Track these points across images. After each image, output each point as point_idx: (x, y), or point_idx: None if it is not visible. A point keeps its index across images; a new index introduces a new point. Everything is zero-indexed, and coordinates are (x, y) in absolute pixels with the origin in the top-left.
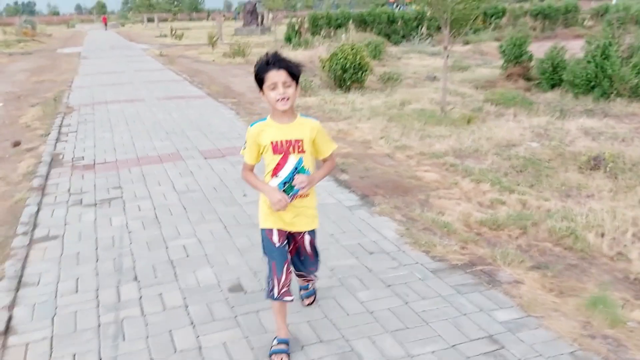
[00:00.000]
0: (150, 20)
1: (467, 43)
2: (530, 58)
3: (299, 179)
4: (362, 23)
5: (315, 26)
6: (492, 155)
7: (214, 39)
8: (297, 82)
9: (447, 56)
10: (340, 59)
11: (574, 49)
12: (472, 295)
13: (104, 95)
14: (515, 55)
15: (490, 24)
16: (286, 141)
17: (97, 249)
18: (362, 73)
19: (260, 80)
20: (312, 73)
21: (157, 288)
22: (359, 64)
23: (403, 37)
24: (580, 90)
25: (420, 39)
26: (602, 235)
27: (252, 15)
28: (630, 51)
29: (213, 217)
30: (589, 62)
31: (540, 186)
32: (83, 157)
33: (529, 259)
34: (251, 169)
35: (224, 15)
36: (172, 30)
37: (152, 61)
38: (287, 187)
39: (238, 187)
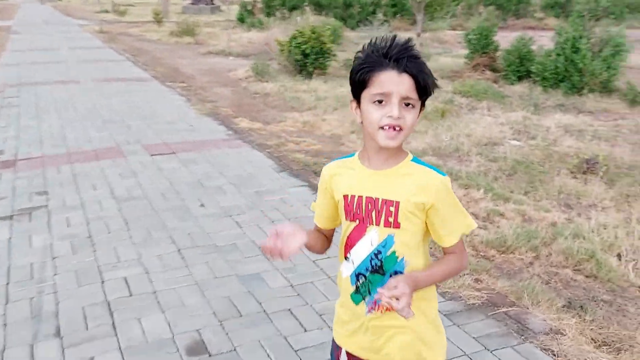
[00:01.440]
0: None
1: (424, 31)
2: (496, 48)
3: (384, 291)
4: (318, 6)
5: (270, 7)
6: (476, 155)
7: (160, 15)
8: (423, 104)
9: (421, 44)
10: (301, 43)
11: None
12: (504, 352)
13: (34, 75)
14: (482, 45)
15: (447, 12)
16: (367, 199)
17: (8, 283)
18: (324, 59)
19: (359, 83)
20: (268, 56)
21: (87, 348)
22: (321, 48)
23: (359, 22)
24: (549, 84)
25: (379, 25)
26: (620, 256)
27: None
28: (600, 45)
29: (162, 235)
30: (558, 54)
31: (535, 193)
32: (2, 151)
33: (556, 295)
34: (320, 232)
35: None
36: (114, 5)
37: (91, 38)
38: (363, 283)
39: (193, 194)
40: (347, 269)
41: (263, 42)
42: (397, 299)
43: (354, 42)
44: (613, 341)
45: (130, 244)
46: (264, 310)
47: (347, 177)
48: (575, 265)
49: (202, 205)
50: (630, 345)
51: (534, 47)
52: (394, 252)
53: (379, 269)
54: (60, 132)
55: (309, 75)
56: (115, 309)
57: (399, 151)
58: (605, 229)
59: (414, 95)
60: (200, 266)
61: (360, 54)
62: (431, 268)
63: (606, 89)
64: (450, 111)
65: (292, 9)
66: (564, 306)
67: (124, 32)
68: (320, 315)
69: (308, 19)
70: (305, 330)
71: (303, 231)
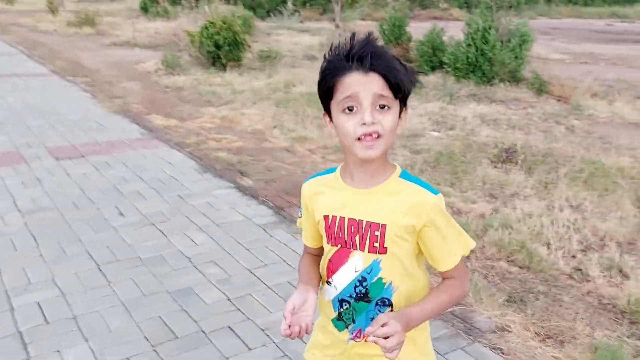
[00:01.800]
0: None
1: (333, 21)
2: (409, 39)
3: (372, 329)
4: None
5: None
6: (401, 148)
7: (54, 4)
8: (403, 103)
9: (339, 35)
10: (213, 33)
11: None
12: (455, 356)
13: None
14: (395, 36)
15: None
16: (350, 221)
17: None
18: (238, 50)
19: (325, 93)
20: (177, 48)
21: None
22: (235, 40)
23: (268, 12)
24: (461, 74)
25: (289, 15)
26: (548, 245)
27: None
28: (508, 35)
29: (78, 250)
30: (469, 45)
31: (460, 184)
32: None
33: (497, 290)
34: (312, 253)
35: None
36: None
37: None
38: (347, 310)
39: (109, 201)
40: (328, 294)
41: (171, 32)
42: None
43: (265, 32)
44: (555, 334)
45: (41, 262)
46: (202, 330)
47: (328, 196)
48: (509, 257)
49: (120, 213)
50: (572, 337)
51: (445, 38)
52: (380, 279)
53: (363, 296)
54: None
55: (223, 68)
56: (29, 341)
57: (385, 165)
58: (530, 218)
59: (387, 94)
60: (125, 283)
61: (323, 64)
62: (426, 301)
63: (514, 78)
64: None
65: None
66: (505, 301)
67: (14, 22)
68: (264, 330)
69: (217, 9)
70: (249, 349)
71: (308, 287)
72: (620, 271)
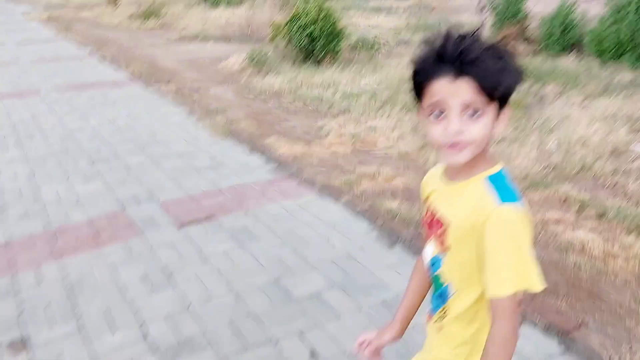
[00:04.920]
0: None
1: None
2: (526, 16)
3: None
4: None
5: None
6: (612, 175)
7: None
8: (504, 103)
9: (483, 10)
10: (306, 24)
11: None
12: None
13: None
14: (512, 13)
15: None
16: (433, 213)
17: None
18: (337, 41)
19: (417, 88)
20: (258, 40)
21: None
22: (331, 30)
23: None
24: (608, 56)
25: None
26: None
27: None
28: None
29: None
30: (615, 21)
31: None
32: None
33: None
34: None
35: None
36: None
37: (40, 28)
38: (434, 278)
39: (281, 317)
40: (427, 252)
41: (243, 22)
42: None
43: (343, 11)
44: None
45: None
46: None
47: (431, 184)
48: None
49: (311, 353)
50: None
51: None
52: (439, 276)
53: (432, 281)
54: (30, 187)
55: (317, 63)
56: None
57: (477, 161)
58: None
59: (479, 100)
60: None
61: (414, 58)
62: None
63: None
64: (523, 102)
65: None
66: None
67: (75, 17)
68: None
69: None
70: None
71: (394, 324)
72: None
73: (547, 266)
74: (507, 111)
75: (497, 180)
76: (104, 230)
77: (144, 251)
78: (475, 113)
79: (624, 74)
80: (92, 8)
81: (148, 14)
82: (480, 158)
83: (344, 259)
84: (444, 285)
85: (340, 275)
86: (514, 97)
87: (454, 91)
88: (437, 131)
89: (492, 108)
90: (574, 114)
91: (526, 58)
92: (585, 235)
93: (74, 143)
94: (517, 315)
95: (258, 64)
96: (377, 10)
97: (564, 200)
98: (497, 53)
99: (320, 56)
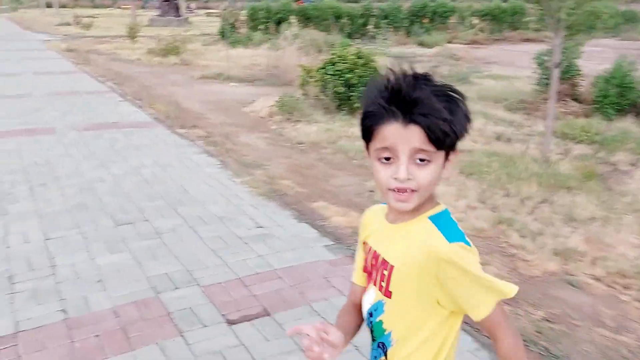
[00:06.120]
0: (48, 5)
1: (420, 44)
2: (578, 73)
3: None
4: (305, 18)
5: (254, 20)
6: None
7: (134, 30)
8: (452, 149)
9: (558, 67)
10: (343, 70)
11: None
12: None
13: None
14: (564, 70)
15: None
16: (375, 256)
17: None
18: None
19: (366, 130)
20: (284, 83)
21: None
22: (368, 76)
23: (349, 35)
24: None
25: (384, 39)
26: None
27: (169, 3)
28: None
29: None
30: None
31: None
32: None
33: None
34: (355, 299)
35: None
36: (75, 17)
37: (58, 58)
38: (374, 325)
39: None
40: (366, 300)
41: (269, 63)
42: None
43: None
44: None
45: None
46: None
47: (372, 224)
48: None
49: None
50: None
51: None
52: (381, 322)
53: (370, 330)
54: (42, 255)
55: (352, 112)
56: None
57: (425, 202)
58: None
59: (428, 148)
60: None
61: (365, 100)
62: None
63: None
64: (595, 172)
65: (278, 22)
66: None
67: (93, 49)
68: None
69: (310, 34)
70: None
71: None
72: None
73: None
74: (454, 155)
75: (440, 220)
76: (132, 324)
77: (183, 358)
78: (424, 160)
79: None
80: (110, 40)
81: (168, 50)
82: (425, 200)
83: None
84: (385, 333)
85: None
86: (586, 166)
87: (404, 137)
88: (385, 174)
89: (440, 154)
90: None
91: (580, 119)
92: None
93: (94, 197)
94: (509, 321)
95: (288, 109)
96: (400, 56)
97: None
98: (448, 97)
99: (356, 105)
